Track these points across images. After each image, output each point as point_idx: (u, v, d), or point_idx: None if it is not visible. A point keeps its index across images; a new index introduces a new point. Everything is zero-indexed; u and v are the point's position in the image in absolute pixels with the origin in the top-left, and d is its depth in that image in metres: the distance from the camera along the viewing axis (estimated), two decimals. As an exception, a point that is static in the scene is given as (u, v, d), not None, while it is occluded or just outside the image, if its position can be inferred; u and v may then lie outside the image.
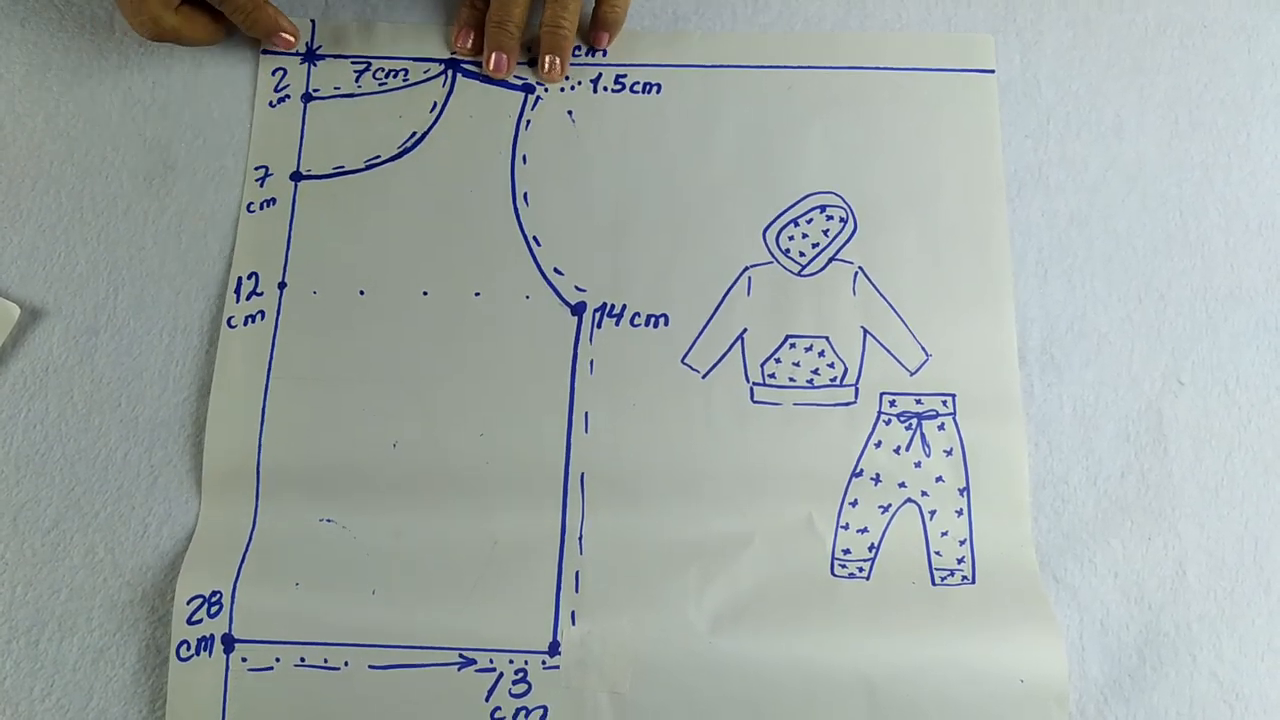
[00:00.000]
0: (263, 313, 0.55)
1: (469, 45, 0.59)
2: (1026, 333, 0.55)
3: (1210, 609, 0.51)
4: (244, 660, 0.50)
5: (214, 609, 0.50)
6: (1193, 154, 0.58)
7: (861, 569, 0.51)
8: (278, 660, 0.50)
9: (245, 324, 0.55)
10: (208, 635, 0.50)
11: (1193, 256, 0.56)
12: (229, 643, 0.50)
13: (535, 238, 0.56)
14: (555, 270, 0.56)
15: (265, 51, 0.60)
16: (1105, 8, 0.60)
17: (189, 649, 0.50)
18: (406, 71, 0.59)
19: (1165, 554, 0.52)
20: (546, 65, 0.59)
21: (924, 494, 0.52)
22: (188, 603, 0.50)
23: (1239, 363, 0.55)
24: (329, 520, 0.52)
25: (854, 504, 0.52)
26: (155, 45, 0.60)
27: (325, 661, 0.49)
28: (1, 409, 0.55)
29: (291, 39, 0.59)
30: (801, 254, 0.56)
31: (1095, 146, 0.58)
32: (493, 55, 0.59)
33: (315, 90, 0.59)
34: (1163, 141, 0.58)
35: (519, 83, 0.59)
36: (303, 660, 0.50)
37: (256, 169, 0.58)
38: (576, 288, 0.56)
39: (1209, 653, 0.50)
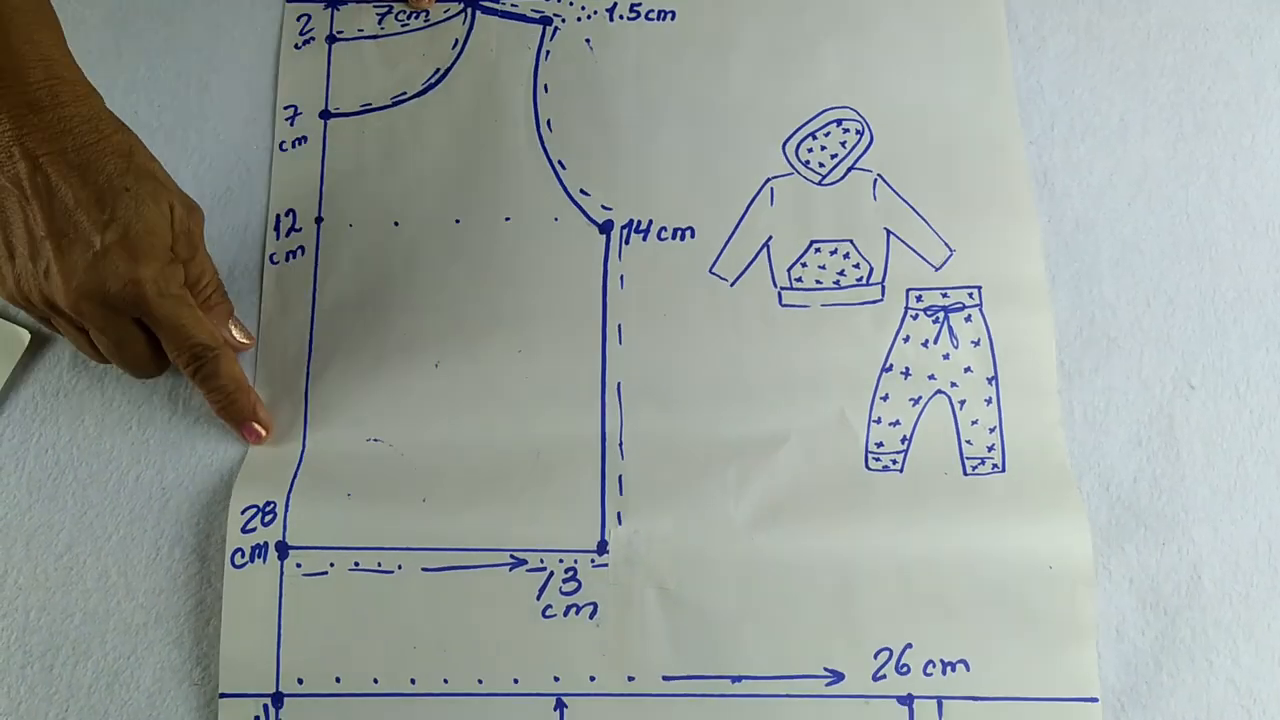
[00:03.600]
0: (302, 248, 0.57)
1: None
2: (1035, 338, 0.55)
3: (1226, 614, 0.51)
4: (298, 566, 0.51)
5: (268, 518, 0.51)
6: (1198, 157, 0.58)
7: (895, 461, 0.52)
8: (331, 565, 0.51)
9: (286, 260, 0.57)
10: (262, 543, 0.51)
11: (1200, 259, 0.56)
12: (283, 549, 0.51)
13: (560, 162, 0.58)
14: (581, 191, 0.57)
15: None
16: (1107, 12, 0.60)
17: (243, 556, 0.51)
18: (427, 11, 0.61)
19: (1180, 559, 0.52)
20: None
21: (953, 385, 0.53)
22: (242, 512, 0.51)
23: (1249, 365, 0.55)
24: (376, 440, 0.53)
25: (885, 398, 0.53)
26: (161, 69, 0.60)
27: (379, 565, 0.51)
28: (13, 434, 0.55)
29: (262, 433, 0.53)
30: (821, 165, 0.57)
31: (1100, 151, 0.58)
32: None
33: (339, 32, 0.61)
34: (1168, 145, 0.58)
35: (536, 15, 0.61)
36: (356, 565, 0.51)
37: (285, 108, 0.59)
38: (603, 207, 0.57)
39: (1226, 658, 0.50)
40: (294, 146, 0.59)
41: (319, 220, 0.57)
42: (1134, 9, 0.61)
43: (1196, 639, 0.51)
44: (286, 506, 0.51)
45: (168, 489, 0.54)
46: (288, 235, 0.57)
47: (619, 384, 0.54)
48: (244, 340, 0.55)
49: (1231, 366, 0.54)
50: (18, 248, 0.47)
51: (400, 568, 0.51)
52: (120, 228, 0.46)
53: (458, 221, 0.57)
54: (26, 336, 0.55)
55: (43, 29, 0.46)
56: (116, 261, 0.46)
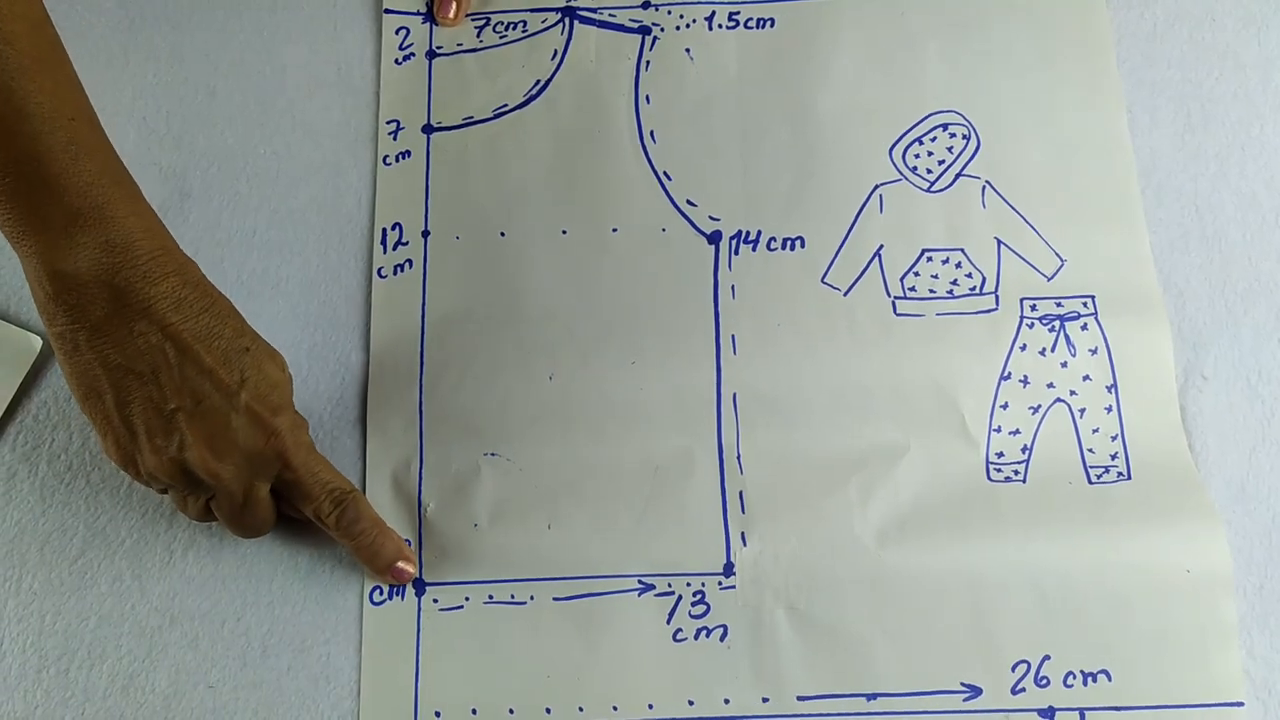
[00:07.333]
0: (410, 261, 0.57)
1: (451, 14, 0.61)
2: (1045, 333, 0.55)
3: (1240, 605, 0.51)
4: (435, 601, 0.52)
5: None
6: (1206, 148, 0.58)
7: (1017, 472, 0.52)
8: (467, 599, 0.52)
9: (395, 273, 0.57)
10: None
11: (1210, 251, 0.56)
12: (420, 586, 0.52)
13: (665, 173, 0.58)
14: (688, 202, 0.57)
15: (388, 11, 0.61)
16: (1114, 3, 0.60)
17: (382, 594, 0.52)
18: (525, 23, 0.61)
19: (1192, 552, 0.52)
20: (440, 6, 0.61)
21: (1072, 393, 0.53)
22: None
23: (1260, 356, 0.55)
24: (493, 455, 0.54)
25: (1004, 407, 0.53)
26: (169, 75, 0.60)
27: (511, 597, 0.52)
28: (25, 440, 0.55)
29: (411, 571, 0.52)
30: (929, 171, 0.57)
31: (1108, 144, 0.58)
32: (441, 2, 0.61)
33: (439, 47, 0.61)
34: (1176, 136, 0.58)
35: (635, 25, 0.60)
36: (491, 598, 0.52)
37: (388, 123, 0.59)
38: (710, 217, 0.57)
39: (1240, 650, 0.50)
40: (397, 161, 0.59)
41: (425, 234, 0.57)
42: (1140, 0, 0.60)
43: (1209, 631, 0.51)
44: (420, 543, 0.53)
45: (180, 492, 0.54)
46: (395, 249, 0.57)
47: (734, 395, 0.54)
48: None
49: (1243, 358, 0.54)
50: (138, 427, 0.46)
51: (532, 598, 0.51)
52: (252, 386, 0.47)
53: (564, 232, 0.57)
54: (39, 343, 0.55)
55: (139, 200, 0.45)
56: (256, 419, 0.47)
